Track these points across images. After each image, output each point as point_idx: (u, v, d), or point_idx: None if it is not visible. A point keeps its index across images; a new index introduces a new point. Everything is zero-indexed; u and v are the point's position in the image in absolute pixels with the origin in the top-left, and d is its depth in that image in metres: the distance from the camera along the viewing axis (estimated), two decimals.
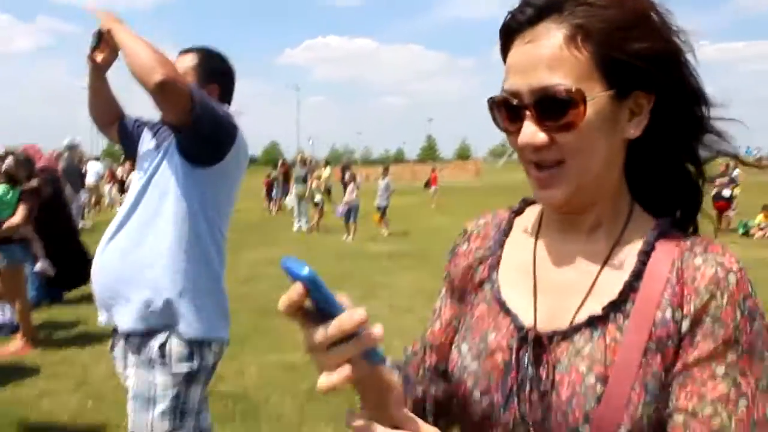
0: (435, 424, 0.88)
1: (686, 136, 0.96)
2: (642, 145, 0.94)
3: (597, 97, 0.86)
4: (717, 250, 0.88)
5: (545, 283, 0.97)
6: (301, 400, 4.94)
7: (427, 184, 26.25)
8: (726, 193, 15.06)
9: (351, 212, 15.33)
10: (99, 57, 2.50)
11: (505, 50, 0.93)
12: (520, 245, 1.04)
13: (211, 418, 2.71)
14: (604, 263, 0.94)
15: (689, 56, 0.91)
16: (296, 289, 0.69)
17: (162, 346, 2.37)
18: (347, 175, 16.57)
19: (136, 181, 2.53)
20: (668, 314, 0.86)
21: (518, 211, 1.10)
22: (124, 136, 2.80)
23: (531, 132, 0.87)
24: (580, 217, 0.97)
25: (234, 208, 2.69)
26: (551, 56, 0.85)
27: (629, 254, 0.93)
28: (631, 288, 0.89)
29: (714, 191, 15.04)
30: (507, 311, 0.98)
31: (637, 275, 0.90)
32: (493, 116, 0.95)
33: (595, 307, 0.90)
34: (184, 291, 2.38)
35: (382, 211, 16.38)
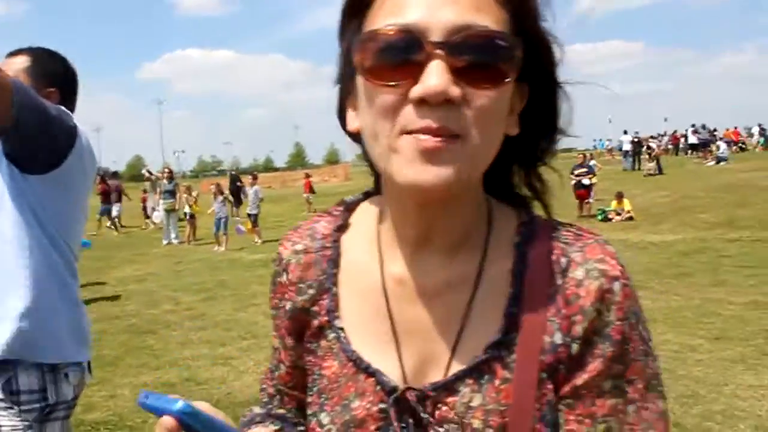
0: None
1: (546, 136, 0.82)
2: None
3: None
4: (595, 254, 0.75)
5: (406, 325, 0.79)
6: None
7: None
8: (585, 181, 15.97)
9: (221, 222, 15.04)
10: None
11: None
12: (361, 276, 0.83)
13: None
14: (475, 287, 0.77)
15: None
16: (165, 424, 0.64)
17: (7, 383, 2.05)
18: (215, 188, 16.22)
19: None
20: (557, 338, 0.73)
21: (341, 228, 0.88)
22: None
23: (444, 79, 0.65)
24: (440, 228, 0.78)
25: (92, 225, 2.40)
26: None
27: (501, 271, 0.78)
28: (512, 318, 0.75)
29: (574, 181, 15.94)
30: (366, 370, 0.79)
31: (515, 299, 0.75)
32: (372, 60, 0.69)
33: (474, 347, 0.75)
34: (29, 313, 2.06)
35: (254, 219, 16.07)
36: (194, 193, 17.70)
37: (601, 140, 42.61)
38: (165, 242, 16.87)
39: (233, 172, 22.10)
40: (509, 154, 0.80)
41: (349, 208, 0.90)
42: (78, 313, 2.25)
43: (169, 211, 17.22)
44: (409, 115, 0.67)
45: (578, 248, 0.76)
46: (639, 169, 29.58)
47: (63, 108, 2.19)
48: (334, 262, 0.85)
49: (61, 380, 2.16)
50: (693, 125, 35.47)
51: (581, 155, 17.17)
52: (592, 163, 17.53)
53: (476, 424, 0.73)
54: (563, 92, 0.79)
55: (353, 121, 0.79)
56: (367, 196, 0.92)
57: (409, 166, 0.67)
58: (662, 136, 43.68)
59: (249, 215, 16.28)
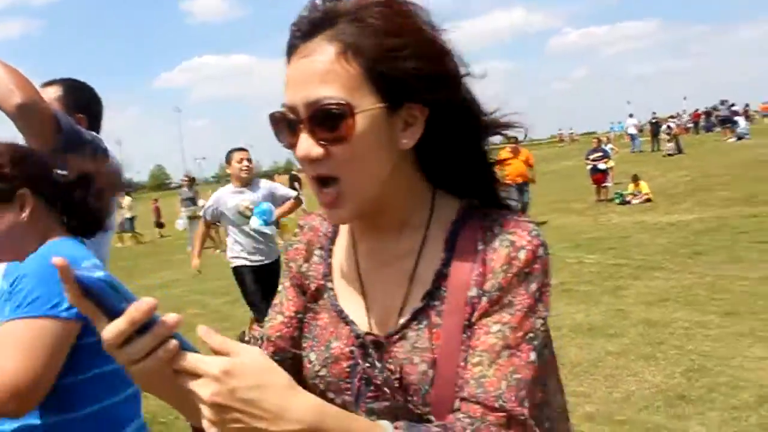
0: None
1: (467, 139, 1.00)
2: (431, 144, 0.97)
3: (369, 110, 0.89)
4: (509, 228, 0.95)
5: (372, 287, 1.04)
6: None
7: None
8: (601, 166, 15.97)
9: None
10: None
11: (289, 65, 0.94)
12: (346, 251, 1.09)
13: None
14: (418, 257, 1.00)
15: (463, 70, 0.96)
16: (71, 289, 0.74)
17: None
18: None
19: None
20: (474, 293, 0.94)
21: None
22: None
23: (307, 145, 0.90)
24: (383, 220, 1.02)
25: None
26: (323, 70, 0.88)
27: (438, 244, 0.99)
28: (441, 275, 0.97)
29: (590, 166, 15.93)
30: (345, 320, 1.04)
31: (447, 262, 0.97)
32: (276, 132, 0.96)
33: (416, 300, 0.98)
34: None
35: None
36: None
37: (620, 123, 42.20)
38: (189, 248, 17.10)
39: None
40: (444, 156, 1.01)
41: None
42: None
43: (191, 218, 17.48)
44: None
45: (499, 224, 0.97)
46: (658, 149, 29.34)
47: (94, 133, 2.47)
48: (332, 239, 1.12)
49: None
50: (723, 101, 34.87)
51: (596, 139, 17.14)
52: (608, 147, 17.51)
53: (416, 359, 0.95)
54: (467, 108, 0.98)
55: None
56: None
57: (326, 213, 0.98)
58: (681, 114, 43.15)
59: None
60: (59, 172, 1.77)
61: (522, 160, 12.56)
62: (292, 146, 0.93)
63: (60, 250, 1.64)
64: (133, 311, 0.73)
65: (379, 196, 0.96)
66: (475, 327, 0.93)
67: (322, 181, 0.93)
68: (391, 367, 0.97)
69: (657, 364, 4.94)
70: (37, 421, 1.62)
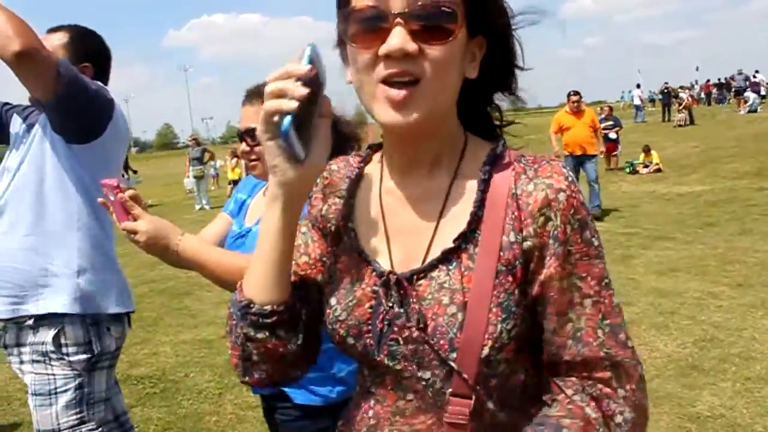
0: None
1: (500, 84, 1.02)
2: (473, 84, 0.98)
3: (462, 25, 0.90)
4: (545, 173, 0.92)
5: (396, 227, 1.00)
6: (220, 371, 4.96)
7: None
8: (612, 135, 15.80)
9: None
10: None
11: None
12: (369, 192, 1.06)
13: (131, 402, 2.63)
14: (447, 197, 0.97)
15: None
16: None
17: (56, 337, 2.25)
18: None
19: (11, 163, 2.37)
20: (512, 238, 0.91)
21: (366, 159, 1.11)
22: None
23: (404, 39, 0.86)
24: (420, 154, 0.98)
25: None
26: None
27: (470, 185, 0.97)
28: (476, 217, 0.93)
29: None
30: (366, 260, 1.00)
31: (480, 204, 0.94)
32: (346, 30, 0.92)
33: (446, 241, 0.94)
34: (81, 271, 2.30)
35: None
36: (235, 160, 17.81)
37: (630, 92, 41.72)
38: (197, 207, 17.16)
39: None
40: (480, 98, 1.04)
41: (372, 147, 1.12)
42: (117, 268, 2.47)
43: (198, 178, 17.50)
44: (380, 68, 0.88)
45: (533, 168, 0.93)
46: (669, 120, 29.03)
47: (99, 83, 2.38)
48: (354, 181, 1.08)
49: (104, 333, 2.36)
50: (740, 71, 34.30)
51: (607, 107, 16.93)
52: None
53: (444, 299, 0.91)
54: (514, 39, 0.99)
55: (348, 76, 0.98)
56: None
57: (384, 112, 0.90)
58: (694, 85, 42.64)
59: None
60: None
61: (587, 124, 10.18)
62: (365, 46, 0.89)
63: None
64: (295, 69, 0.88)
65: (442, 117, 0.94)
66: (542, 288, 0.90)
67: (396, 83, 0.88)
68: (416, 306, 0.92)
69: (669, 333, 4.92)
70: None
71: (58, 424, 2.27)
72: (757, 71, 35.52)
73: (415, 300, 0.93)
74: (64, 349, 2.28)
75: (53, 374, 2.28)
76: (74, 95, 2.14)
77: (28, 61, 2.00)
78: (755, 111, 27.93)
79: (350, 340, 0.98)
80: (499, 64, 0.99)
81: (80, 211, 2.32)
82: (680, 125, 26.02)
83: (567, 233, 0.89)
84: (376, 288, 0.97)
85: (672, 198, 11.23)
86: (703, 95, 40.93)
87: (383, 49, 0.87)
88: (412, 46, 0.86)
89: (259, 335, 0.97)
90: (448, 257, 0.93)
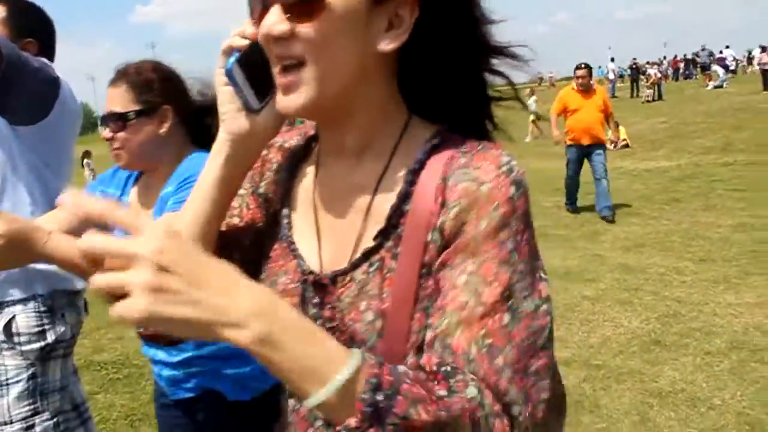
0: None
1: (462, 59, 0.87)
2: (418, 58, 0.86)
3: None
4: (477, 161, 0.81)
5: (326, 221, 0.91)
6: None
7: None
8: None
9: None
10: None
11: None
12: (308, 175, 0.97)
13: (93, 388, 2.56)
14: (376, 189, 0.87)
15: None
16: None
17: (7, 326, 2.19)
18: None
19: None
20: (434, 234, 0.80)
21: (315, 138, 1.00)
22: None
23: (273, 21, 0.79)
24: (343, 137, 0.89)
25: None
26: None
27: (400, 175, 0.86)
28: (399, 212, 0.83)
29: None
30: (294, 252, 0.92)
31: (406, 197, 0.83)
32: (249, 9, 0.86)
33: (369, 239, 0.85)
34: None
35: None
36: None
37: (600, 68, 41.97)
38: None
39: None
40: (425, 71, 0.88)
41: None
42: None
43: None
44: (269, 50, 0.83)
45: (469, 155, 0.82)
46: (638, 96, 29.29)
47: (44, 60, 2.27)
48: (299, 157, 0.99)
49: (58, 320, 2.29)
50: (703, 47, 34.57)
51: None
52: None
53: (361, 305, 0.83)
54: (471, 16, 0.85)
55: None
56: None
57: (278, 99, 0.84)
58: (662, 61, 43.02)
59: None
60: (198, 97, 1.91)
61: (598, 106, 8.21)
62: (259, 22, 0.83)
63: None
64: None
65: (341, 99, 0.84)
66: (439, 279, 0.79)
67: (285, 68, 0.81)
68: (328, 313, 0.85)
69: (633, 309, 4.99)
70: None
71: (10, 416, 2.21)
72: (727, 46, 35.97)
73: (331, 305, 0.86)
74: (15, 339, 2.21)
75: (4, 364, 2.21)
76: (14, 74, 2.04)
77: None
78: (721, 87, 28.29)
79: None
80: (443, 30, 0.84)
81: (32, 195, 2.23)
82: (648, 101, 26.27)
83: (478, 228, 0.77)
84: (297, 285, 0.90)
85: (639, 174, 11.35)
86: (670, 71, 41.34)
87: (259, 33, 0.82)
88: (279, 28, 0.79)
89: None
90: (369, 257, 0.84)
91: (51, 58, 2.43)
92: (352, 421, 0.65)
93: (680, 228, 7.29)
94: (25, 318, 2.21)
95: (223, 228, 0.98)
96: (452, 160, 0.83)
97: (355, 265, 0.85)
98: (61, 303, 2.29)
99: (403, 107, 0.91)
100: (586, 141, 8.11)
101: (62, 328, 2.30)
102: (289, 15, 0.79)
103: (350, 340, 0.82)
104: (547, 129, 13.61)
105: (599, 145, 8.18)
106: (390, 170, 0.87)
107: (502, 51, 0.88)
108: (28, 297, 2.21)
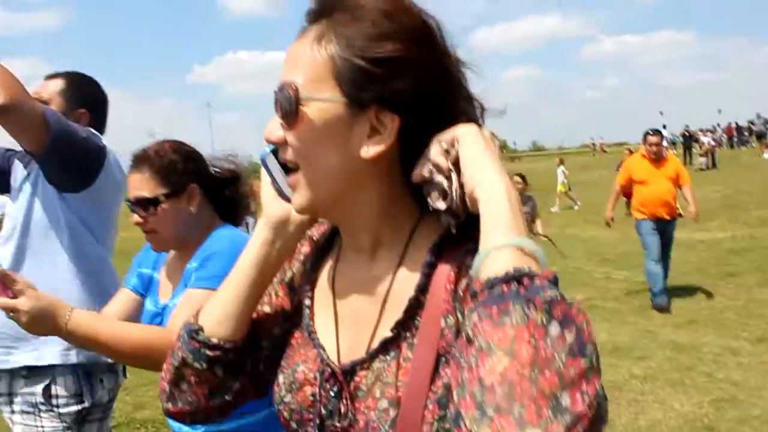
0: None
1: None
2: (416, 152, 0.86)
3: (324, 101, 0.83)
4: None
5: (345, 312, 0.95)
6: None
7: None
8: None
9: None
10: None
11: None
12: (329, 267, 1.01)
13: None
14: (391, 284, 0.90)
15: (462, 73, 0.88)
16: None
17: (47, 388, 2.21)
18: None
19: (12, 212, 2.36)
20: (449, 322, 0.82)
21: (338, 231, 1.03)
22: None
23: (272, 126, 0.88)
24: (355, 235, 0.94)
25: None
26: (299, 53, 0.86)
27: (415, 269, 0.88)
28: (417, 303, 0.86)
29: None
30: (314, 341, 0.95)
31: (423, 289, 0.86)
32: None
33: (386, 330, 0.87)
34: None
35: None
36: None
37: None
38: None
39: None
40: None
41: None
42: None
43: None
44: None
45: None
46: (690, 163, 28.82)
47: (91, 130, 2.37)
48: (323, 251, 1.03)
49: (96, 385, 2.31)
50: (758, 115, 33.87)
51: (628, 150, 16.84)
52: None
53: (377, 394, 0.85)
54: (453, 115, 0.86)
55: None
56: None
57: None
58: (716, 128, 42.41)
59: None
60: (215, 169, 1.97)
61: (670, 178, 7.19)
62: None
63: (235, 234, 1.89)
64: None
65: (337, 202, 0.89)
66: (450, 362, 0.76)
67: (289, 169, 0.90)
68: (346, 401, 0.87)
69: (685, 391, 4.76)
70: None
71: None
72: None
73: (348, 394, 0.88)
74: (54, 401, 2.24)
75: (42, 426, 2.24)
76: (62, 146, 2.13)
77: (13, 114, 2.00)
78: None
79: (293, 425, 0.94)
80: (423, 135, 0.85)
81: (74, 261, 2.29)
82: (701, 169, 25.80)
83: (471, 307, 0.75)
84: (317, 374, 0.92)
85: (693, 245, 11.02)
86: (724, 138, 40.66)
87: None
88: (275, 135, 0.88)
89: (196, 365, 0.96)
90: (387, 347, 0.86)
91: (102, 127, 2.54)
92: None
93: (736, 305, 7.00)
94: (64, 381, 2.25)
95: (254, 316, 1.02)
96: (468, 251, 0.82)
97: (372, 355, 0.88)
98: (101, 368, 2.32)
99: (412, 207, 0.92)
100: (663, 214, 7.12)
101: (100, 393, 2.33)
102: (282, 123, 0.87)
103: (364, 428, 0.84)
104: (584, 197, 13.15)
105: (674, 219, 7.30)
106: (405, 263, 0.90)
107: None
108: (68, 364, 2.24)
